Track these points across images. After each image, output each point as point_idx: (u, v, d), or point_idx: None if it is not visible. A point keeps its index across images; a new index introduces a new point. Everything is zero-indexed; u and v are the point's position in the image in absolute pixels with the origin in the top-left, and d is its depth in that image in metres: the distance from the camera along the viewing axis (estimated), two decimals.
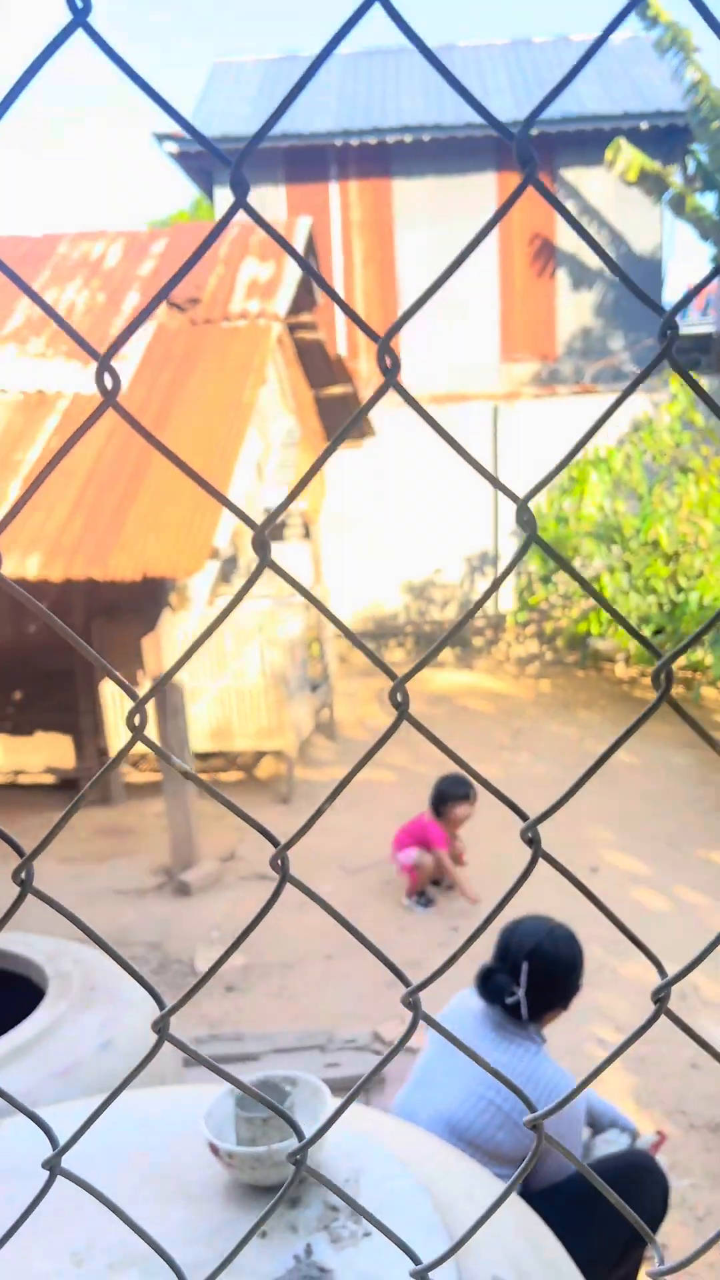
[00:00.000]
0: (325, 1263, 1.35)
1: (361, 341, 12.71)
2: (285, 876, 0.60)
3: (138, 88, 0.52)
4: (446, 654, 10.34)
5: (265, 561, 0.54)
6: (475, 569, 10.34)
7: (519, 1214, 1.54)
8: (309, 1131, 1.48)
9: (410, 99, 13.83)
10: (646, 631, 7.77)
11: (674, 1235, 2.82)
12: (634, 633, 0.57)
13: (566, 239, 13.93)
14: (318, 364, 7.77)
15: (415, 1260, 0.71)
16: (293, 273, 6.07)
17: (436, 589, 10.46)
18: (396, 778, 6.86)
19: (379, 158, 13.53)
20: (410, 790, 6.55)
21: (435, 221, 13.34)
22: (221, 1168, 1.49)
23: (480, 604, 0.60)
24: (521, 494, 0.56)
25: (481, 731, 7.82)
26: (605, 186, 13.49)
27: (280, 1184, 1.48)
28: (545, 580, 8.91)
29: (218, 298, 6.07)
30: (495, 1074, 0.67)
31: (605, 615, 8.23)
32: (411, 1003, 0.62)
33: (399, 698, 0.60)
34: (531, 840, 0.61)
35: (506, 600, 10.22)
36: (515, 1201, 1.64)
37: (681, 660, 8.74)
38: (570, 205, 13.63)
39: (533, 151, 0.49)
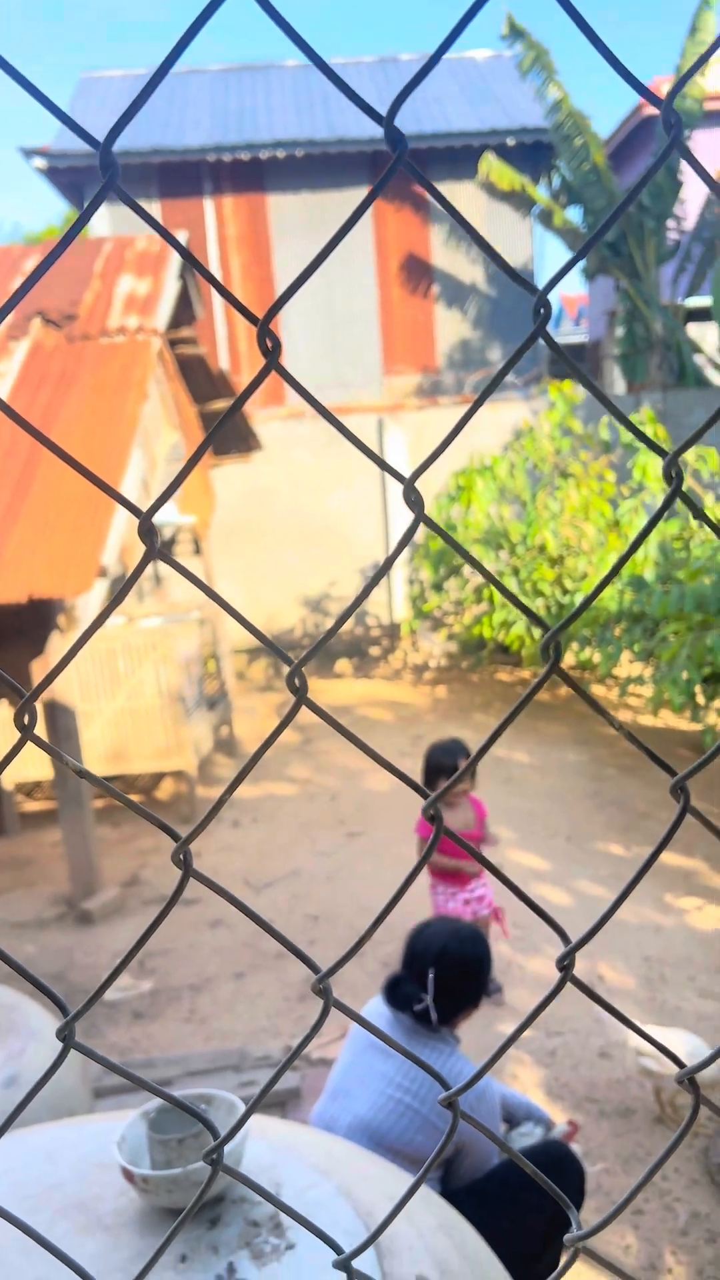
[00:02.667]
0: (248, 1279, 1.33)
1: (245, 355, 12.69)
2: (187, 870, 0.59)
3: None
4: (344, 664, 10.37)
5: (153, 550, 0.53)
6: (369, 580, 10.40)
7: (441, 1213, 1.55)
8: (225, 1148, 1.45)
9: (282, 114, 13.91)
10: (536, 634, 7.95)
11: (591, 1220, 2.86)
12: (521, 606, 0.58)
13: (441, 257, 14.21)
14: (200, 379, 7.72)
15: (338, 1251, 0.70)
16: (171, 287, 6.02)
17: (332, 602, 10.48)
18: (298, 790, 6.84)
19: (253, 173, 13.55)
20: (313, 803, 6.54)
21: (312, 235, 13.42)
22: (137, 1194, 1.46)
23: (377, 579, 0.60)
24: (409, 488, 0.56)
25: (382, 739, 7.86)
26: (476, 202, 13.80)
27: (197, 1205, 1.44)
28: (437, 588, 9.03)
29: (95, 313, 5.97)
30: (414, 1059, 0.67)
31: (498, 619, 8.38)
32: (322, 990, 0.62)
33: (296, 682, 0.60)
34: (433, 817, 0.61)
35: (401, 610, 10.31)
36: (437, 1202, 1.64)
37: (570, 659, 8.96)
38: (442, 222, 13.91)
39: (402, 135, 0.50)
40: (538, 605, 8.10)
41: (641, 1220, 2.89)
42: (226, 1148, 1.47)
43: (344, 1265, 0.71)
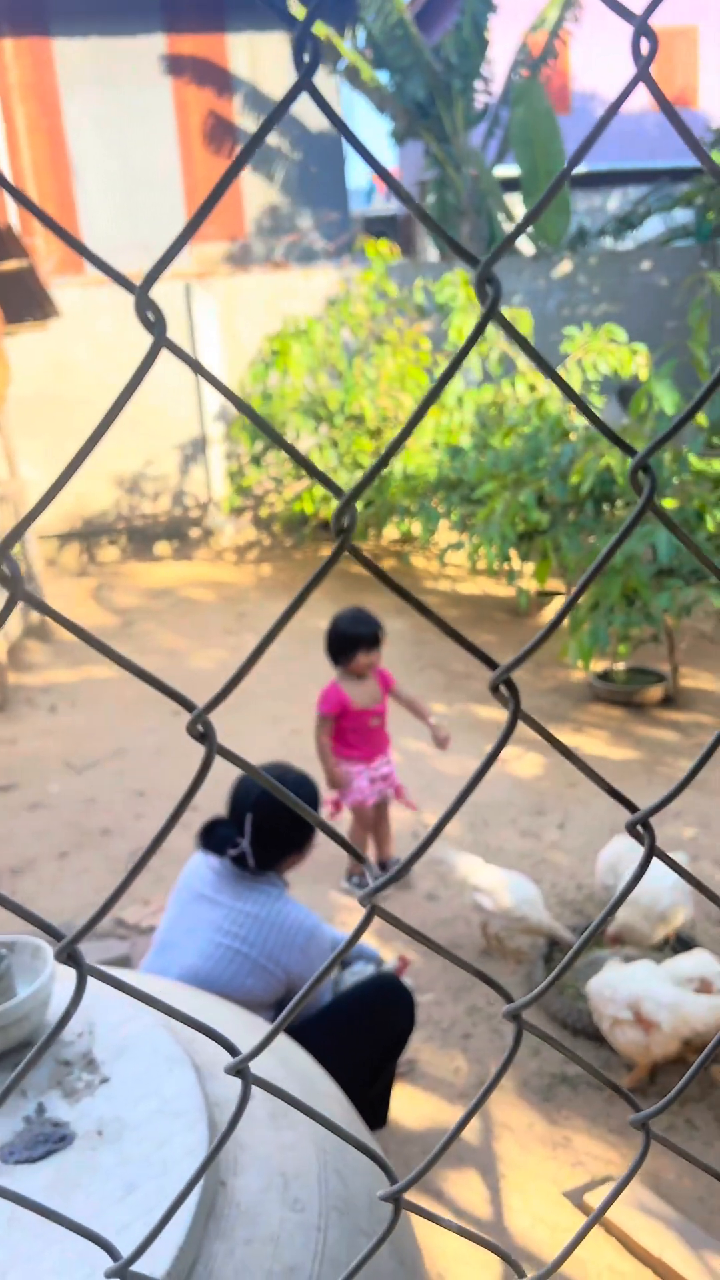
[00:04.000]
0: (59, 1117, 1.24)
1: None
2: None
3: None
4: (164, 547, 10.04)
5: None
6: (188, 458, 10.02)
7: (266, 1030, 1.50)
8: (24, 991, 1.33)
9: None
10: (358, 505, 7.88)
11: (423, 1050, 2.95)
12: (315, 472, 0.46)
13: (245, 119, 13.45)
14: None
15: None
16: None
17: (148, 482, 10.05)
18: (120, 673, 6.62)
19: (35, 12, 12.33)
20: (136, 684, 6.35)
21: (104, 85, 12.41)
22: None
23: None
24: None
25: (205, 619, 7.70)
26: (281, 54, 13.06)
27: (4, 1048, 1.34)
28: (255, 461, 8.79)
29: None
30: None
31: (319, 494, 8.25)
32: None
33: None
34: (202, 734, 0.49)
35: (220, 487, 10.01)
36: (261, 1026, 1.59)
37: (392, 532, 8.97)
38: (245, 83, 13.12)
39: None
40: (356, 477, 8.00)
41: (470, 1044, 3.00)
42: (30, 989, 1.36)
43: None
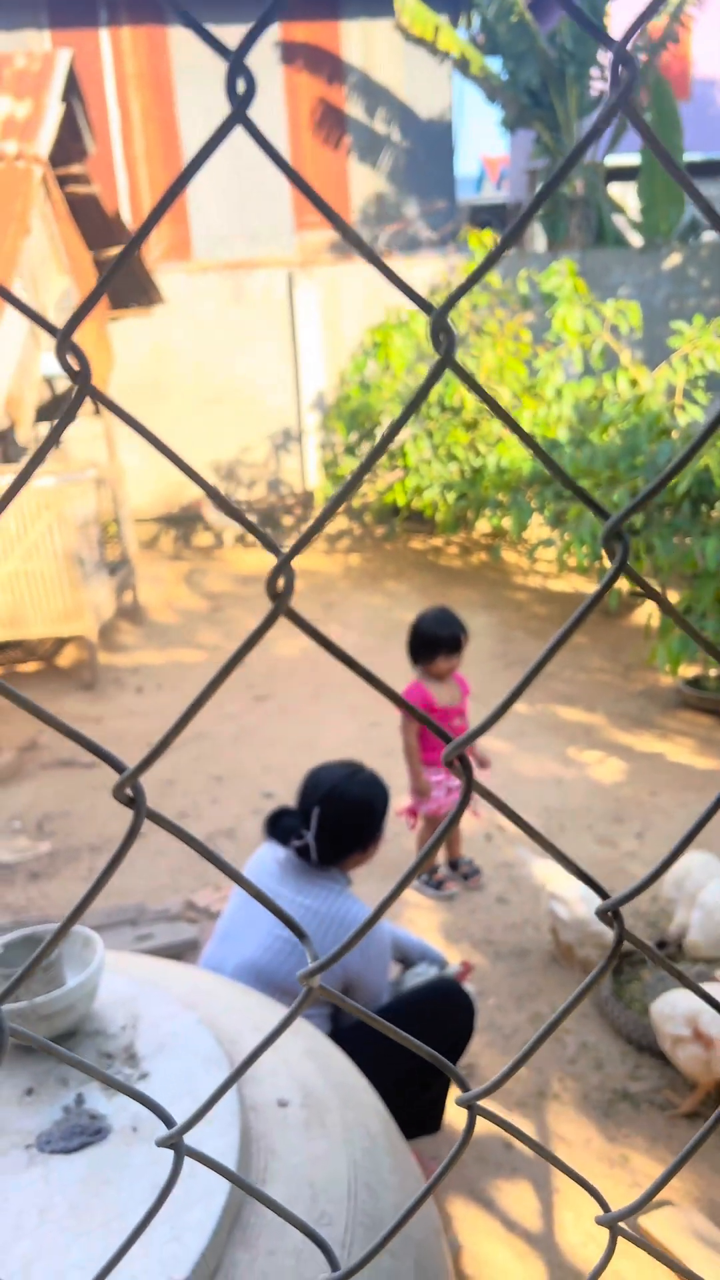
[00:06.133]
0: (97, 1110, 1.25)
1: (146, 200, 11.94)
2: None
3: None
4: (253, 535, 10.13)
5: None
6: (279, 446, 10.09)
7: (309, 1040, 1.49)
8: (73, 981, 1.34)
9: None
10: (450, 497, 7.82)
11: (482, 1055, 2.92)
12: (258, 532, 0.43)
13: (354, 106, 13.40)
14: (95, 222, 7.19)
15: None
16: (54, 110, 5.50)
17: (244, 468, 10.16)
18: (206, 657, 6.71)
19: (151, 2, 12.49)
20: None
21: (217, 75, 12.50)
22: None
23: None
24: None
25: (294, 607, 7.74)
26: (391, 44, 12.99)
27: (47, 1038, 1.36)
28: (350, 451, 8.79)
29: None
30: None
31: (411, 485, 8.22)
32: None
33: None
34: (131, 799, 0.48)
35: (315, 477, 10.05)
36: (307, 1030, 1.59)
37: (485, 527, 8.89)
38: (356, 70, 13.09)
39: None
40: (451, 469, 7.95)
41: None
42: (78, 979, 1.37)
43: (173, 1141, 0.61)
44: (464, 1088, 0.60)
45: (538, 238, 13.57)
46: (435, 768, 3.71)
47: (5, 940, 1.42)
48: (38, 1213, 1.10)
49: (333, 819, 2.33)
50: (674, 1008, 2.67)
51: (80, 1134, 1.20)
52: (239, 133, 12.99)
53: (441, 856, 3.91)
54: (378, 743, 4.91)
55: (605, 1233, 2.31)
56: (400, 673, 6.16)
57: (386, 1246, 1.16)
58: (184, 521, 10.12)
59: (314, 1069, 1.40)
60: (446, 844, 3.89)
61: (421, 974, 2.71)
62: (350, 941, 0.59)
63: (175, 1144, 0.62)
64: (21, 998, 1.35)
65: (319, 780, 2.40)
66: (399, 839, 4.10)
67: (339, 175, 12.95)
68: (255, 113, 12.93)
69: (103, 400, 0.44)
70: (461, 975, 2.77)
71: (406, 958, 2.78)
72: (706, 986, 2.73)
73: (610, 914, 0.49)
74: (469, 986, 2.80)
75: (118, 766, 0.47)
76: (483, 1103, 2.29)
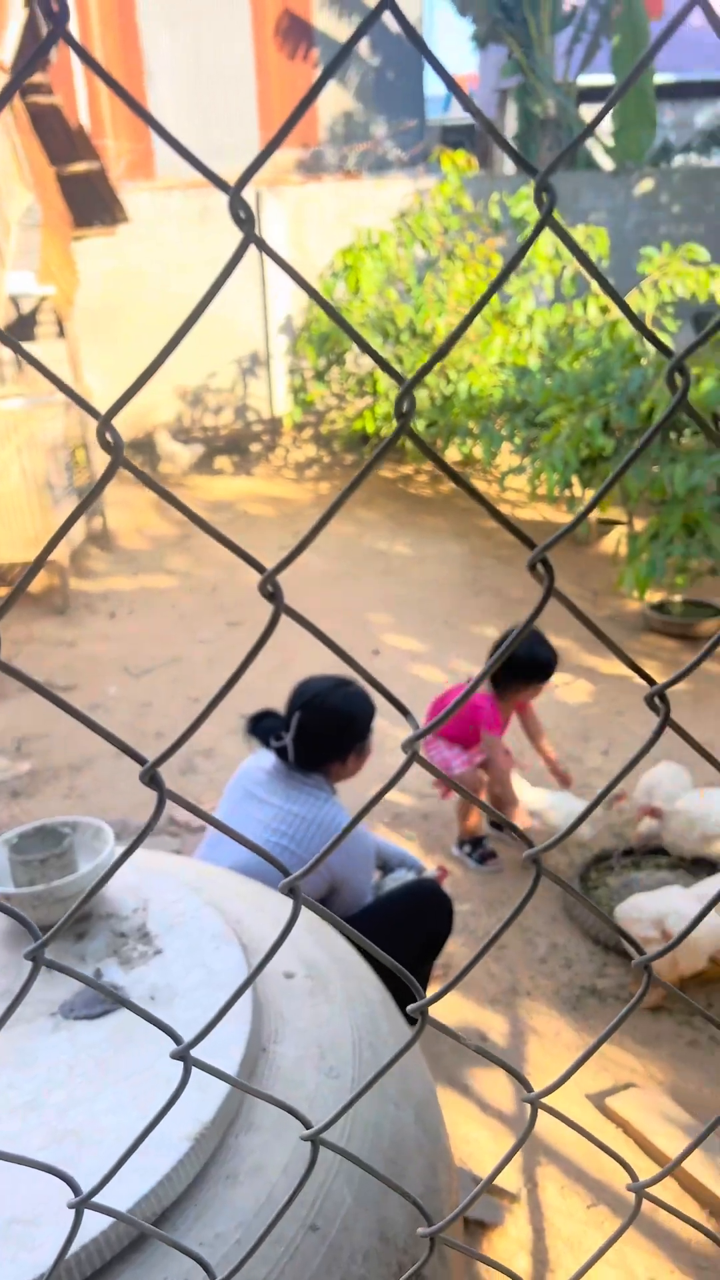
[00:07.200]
0: (115, 982, 1.33)
1: (107, 114, 11.57)
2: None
3: None
4: (224, 461, 10.07)
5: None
6: (247, 371, 9.97)
7: (309, 919, 1.58)
8: (86, 867, 1.41)
9: None
10: (419, 424, 7.81)
11: (458, 955, 3.06)
12: (377, 358, 0.48)
13: (322, 18, 13.00)
14: (57, 136, 6.98)
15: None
16: (17, 15, 5.30)
17: (210, 394, 10.04)
18: (178, 583, 6.73)
19: None
20: (193, 595, 6.46)
21: (184, 25, 12.05)
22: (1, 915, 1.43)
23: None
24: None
25: (262, 535, 7.75)
26: None
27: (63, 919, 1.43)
28: (319, 377, 8.72)
29: None
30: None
31: (380, 412, 8.19)
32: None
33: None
34: (271, 594, 0.53)
35: (283, 403, 9.97)
36: (306, 912, 1.68)
37: (455, 455, 8.89)
38: None
39: None
40: (421, 396, 7.92)
41: (504, 953, 3.10)
42: (90, 864, 1.44)
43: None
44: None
45: (506, 162, 13.34)
46: (456, 746, 3.52)
47: (20, 831, 1.48)
48: (67, 1068, 1.18)
49: (312, 725, 2.40)
50: (641, 910, 2.81)
51: (101, 1002, 1.28)
52: (203, 40, 12.57)
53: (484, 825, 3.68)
54: (346, 671, 4.99)
55: (578, 1113, 2.47)
56: (367, 601, 6.23)
57: (391, 1098, 1.26)
58: (148, 447, 10.02)
59: (315, 944, 1.48)
60: (478, 812, 3.59)
61: (400, 877, 2.83)
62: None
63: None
64: (38, 882, 1.42)
65: (306, 688, 2.47)
66: (437, 815, 3.89)
67: (306, 90, 12.60)
68: (218, 22, 12.50)
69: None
70: (439, 879, 2.89)
71: (386, 864, 2.89)
72: (658, 892, 2.89)
73: (657, 698, 0.54)
74: (446, 887, 2.91)
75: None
76: (454, 995, 2.42)
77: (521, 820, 3.39)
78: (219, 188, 0.47)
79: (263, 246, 0.48)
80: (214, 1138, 1.09)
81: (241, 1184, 1.06)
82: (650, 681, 0.53)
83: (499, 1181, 2.26)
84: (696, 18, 15.56)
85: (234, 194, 0.45)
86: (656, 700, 0.52)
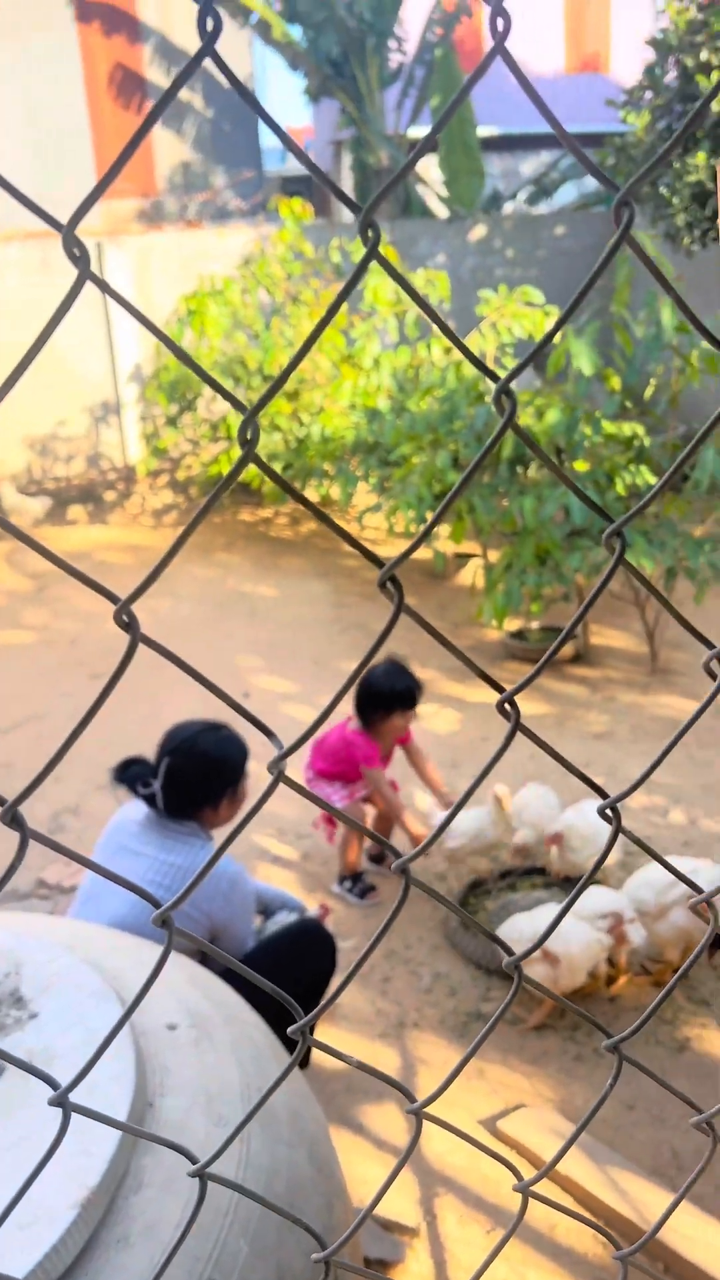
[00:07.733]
0: None
1: None
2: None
3: None
4: (78, 511, 9.88)
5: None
6: (98, 419, 9.85)
7: (189, 969, 1.56)
8: None
9: None
10: (277, 466, 7.87)
11: (345, 992, 3.05)
12: (216, 386, 0.50)
13: (154, 72, 13.11)
14: None
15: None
16: None
17: (60, 443, 9.86)
18: (35, 638, 6.54)
19: None
20: (52, 648, 6.29)
21: (6, 31, 11.96)
22: None
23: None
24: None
25: (121, 581, 7.62)
26: (189, 8, 12.74)
27: None
28: (171, 423, 8.69)
29: None
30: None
31: (234, 455, 8.21)
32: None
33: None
34: (127, 624, 0.53)
35: (136, 450, 9.88)
36: (186, 961, 1.65)
37: (313, 496, 8.98)
38: (152, 34, 12.80)
39: None
40: (276, 440, 7.99)
41: (389, 986, 3.10)
42: None
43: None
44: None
45: (344, 211, 13.69)
46: (336, 782, 3.59)
47: None
48: None
49: (182, 770, 2.37)
50: (520, 932, 2.87)
51: None
52: (37, 97, 12.49)
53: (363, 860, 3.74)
54: (219, 715, 4.95)
55: (474, 1135, 2.48)
56: (234, 644, 6.20)
57: (283, 1139, 1.24)
58: None
59: (198, 994, 1.46)
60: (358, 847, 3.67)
61: (281, 920, 2.81)
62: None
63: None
64: None
65: (176, 732, 2.44)
66: (316, 853, 3.88)
67: (143, 143, 12.65)
68: (50, 73, 12.45)
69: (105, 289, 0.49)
70: (321, 918, 2.88)
71: (267, 908, 2.87)
72: (536, 912, 2.96)
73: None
74: (328, 925, 2.91)
75: (112, 597, 0.53)
76: (343, 1033, 2.42)
77: (415, 833, 3.48)
78: (51, 226, 0.47)
79: (99, 283, 0.48)
80: (101, 1202, 1.05)
81: (134, 1246, 1.03)
82: (499, 689, 0.55)
83: (398, 1217, 2.25)
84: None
85: (67, 232, 0.46)
86: (506, 706, 0.54)
